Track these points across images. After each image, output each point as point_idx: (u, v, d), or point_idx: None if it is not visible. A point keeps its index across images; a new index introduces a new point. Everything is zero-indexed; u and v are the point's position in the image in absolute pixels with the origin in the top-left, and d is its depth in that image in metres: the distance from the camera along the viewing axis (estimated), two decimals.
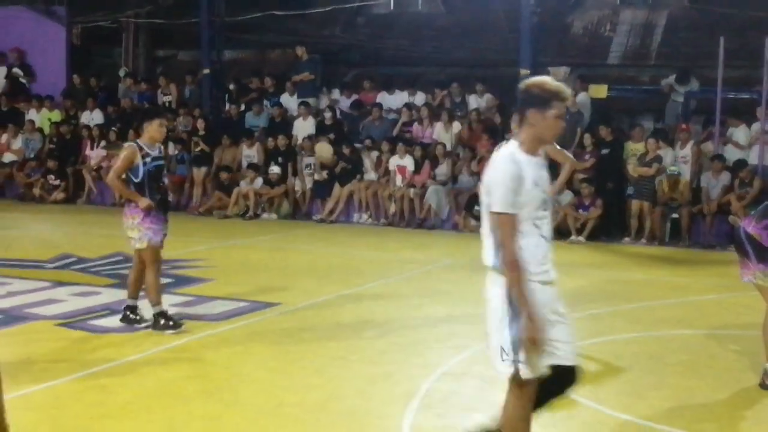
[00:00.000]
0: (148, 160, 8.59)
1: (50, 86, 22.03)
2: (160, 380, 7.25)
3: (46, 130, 20.97)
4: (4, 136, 21.01)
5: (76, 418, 6.33)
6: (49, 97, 21.52)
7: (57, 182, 19.82)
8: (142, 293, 8.94)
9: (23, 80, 22.55)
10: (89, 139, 20.20)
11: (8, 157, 20.77)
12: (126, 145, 8.99)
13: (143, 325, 8.85)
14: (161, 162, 8.81)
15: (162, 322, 8.65)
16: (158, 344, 8.24)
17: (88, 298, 10.12)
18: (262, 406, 6.64)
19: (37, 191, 19.86)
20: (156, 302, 8.69)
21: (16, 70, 22.53)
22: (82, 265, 12.17)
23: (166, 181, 9.00)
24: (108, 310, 9.56)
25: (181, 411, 6.54)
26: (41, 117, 21.28)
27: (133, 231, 8.63)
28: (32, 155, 20.54)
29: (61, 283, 10.91)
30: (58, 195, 19.67)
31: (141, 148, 8.61)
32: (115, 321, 9.04)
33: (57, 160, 19.89)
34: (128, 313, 8.98)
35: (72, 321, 9.05)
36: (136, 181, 8.59)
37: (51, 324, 8.95)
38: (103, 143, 19.96)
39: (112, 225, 15.02)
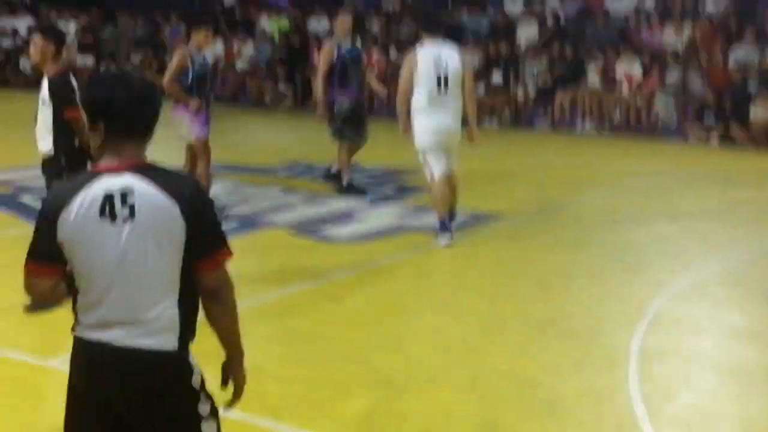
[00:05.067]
0: (196, 65, 9.25)
1: None
2: (388, 291, 7.42)
3: (276, 39, 21.51)
4: (236, 45, 21.73)
5: (309, 325, 6.57)
6: (277, 5, 22.02)
7: (286, 89, 20.39)
8: None
9: None
10: (317, 47, 20.55)
11: (240, 65, 21.49)
12: (177, 51, 9.86)
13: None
14: (207, 66, 9.50)
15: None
16: (387, 255, 8.41)
17: (319, 207, 10.34)
18: (487, 320, 6.69)
19: (267, 98, 20.52)
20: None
21: None
22: (312, 174, 12.24)
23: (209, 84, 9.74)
24: (337, 219, 9.82)
25: (409, 322, 6.69)
26: (271, 25, 21.84)
27: (182, 128, 9.37)
28: (263, 63, 21.17)
29: (292, 191, 11.22)
30: (288, 102, 20.26)
31: (189, 54, 9.35)
32: (344, 231, 9.27)
33: (286, 67, 20.41)
34: None
35: (303, 229, 9.31)
36: (185, 84, 9.31)
37: (283, 231, 9.25)
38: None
39: None
